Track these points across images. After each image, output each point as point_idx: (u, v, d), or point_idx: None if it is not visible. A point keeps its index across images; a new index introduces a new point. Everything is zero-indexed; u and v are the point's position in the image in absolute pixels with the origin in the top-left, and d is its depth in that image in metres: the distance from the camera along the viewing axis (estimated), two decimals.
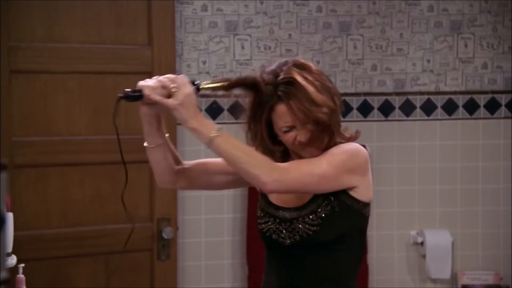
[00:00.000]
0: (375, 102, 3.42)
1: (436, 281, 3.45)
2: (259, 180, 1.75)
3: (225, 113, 3.28)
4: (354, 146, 1.87)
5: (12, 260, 2.22)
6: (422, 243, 3.41)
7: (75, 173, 2.91)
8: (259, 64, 3.30)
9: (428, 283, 3.46)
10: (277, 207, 1.91)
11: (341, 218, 1.86)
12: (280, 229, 1.89)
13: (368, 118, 3.42)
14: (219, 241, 3.29)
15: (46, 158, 2.87)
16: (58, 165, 2.89)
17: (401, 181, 3.45)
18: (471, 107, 3.48)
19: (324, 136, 1.83)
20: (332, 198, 1.86)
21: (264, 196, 1.95)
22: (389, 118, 3.43)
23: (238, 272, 3.30)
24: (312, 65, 1.87)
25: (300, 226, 1.86)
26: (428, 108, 3.46)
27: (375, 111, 3.42)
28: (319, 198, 1.86)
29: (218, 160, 1.90)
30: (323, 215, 1.85)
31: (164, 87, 1.77)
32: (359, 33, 3.39)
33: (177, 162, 1.96)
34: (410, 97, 3.45)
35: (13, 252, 2.26)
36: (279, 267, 1.92)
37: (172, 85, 1.76)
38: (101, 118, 2.96)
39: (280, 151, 1.90)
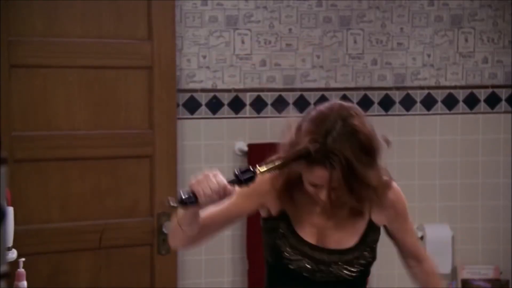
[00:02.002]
0: (375, 96, 3.42)
1: None
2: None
3: (225, 107, 3.28)
4: (403, 198, 2.01)
5: (13, 254, 2.22)
6: (422, 238, 3.41)
7: (75, 168, 2.92)
8: (259, 58, 3.30)
9: None
10: (312, 246, 1.86)
11: (376, 258, 1.93)
12: (315, 269, 1.85)
13: (368, 113, 3.38)
14: (219, 235, 3.28)
15: (46, 153, 2.87)
16: (58, 159, 2.89)
17: (401, 175, 3.44)
18: (471, 102, 3.48)
19: (350, 202, 1.78)
20: (374, 246, 1.91)
21: (293, 231, 1.87)
22: (389, 112, 3.43)
23: (238, 266, 3.30)
24: (362, 126, 1.73)
25: (339, 270, 1.86)
26: (429, 103, 3.46)
27: (375, 105, 3.42)
28: (363, 245, 1.88)
29: (212, 213, 1.85)
30: (364, 262, 1.88)
31: (217, 194, 1.66)
32: (359, 27, 3.38)
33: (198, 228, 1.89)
34: (410, 91, 3.44)
35: (14, 246, 2.26)
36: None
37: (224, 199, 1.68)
38: (101, 112, 2.96)
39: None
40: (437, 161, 3.46)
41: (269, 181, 1.86)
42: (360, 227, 1.88)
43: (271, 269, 1.93)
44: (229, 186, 1.66)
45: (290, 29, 3.33)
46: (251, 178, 1.69)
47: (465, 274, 3.44)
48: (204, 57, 3.26)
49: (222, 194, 1.65)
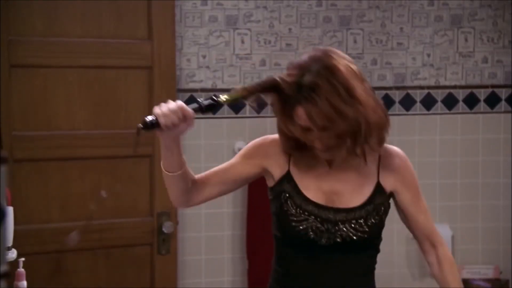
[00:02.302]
0: None
1: None
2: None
3: (225, 107, 3.28)
4: (409, 162, 1.96)
5: (13, 254, 2.22)
6: None
7: (75, 168, 2.92)
8: (259, 58, 3.31)
9: (427, 278, 3.46)
10: (319, 205, 1.83)
11: (383, 226, 1.90)
12: (321, 229, 1.82)
13: None
14: (219, 235, 3.29)
15: (46, 153, 2.87)
16: (58, 159, 2.89)
17: None
18: (471, 102, 3.48)
19: (344, 144, 1.74)
20: (383, 208, 1.88)
21: (299, 192, 1.85)
22: (389, 112, 3.40)
23: (238, 266, 3.30)
24: (343, 66, 1.74)
25: (345, 229, 1.82)
26: (428, 103, 3.46)
27: None
28: (370, 205, 1.85)
29: (210, 171, 1.91)
30: (372, 222, 1.85)
31: (175, 114, 1.71)
32: (359, 27, 3.39)
33: (192, 182, 1.91)
34: (410, 91, 3.44)
35: (14, 246, 2.26)
36: (307, 266, 1.86)
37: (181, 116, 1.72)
38: (101, 112, 2.96)
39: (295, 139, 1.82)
40: (437, 161, 3.46)
41: (274, 144, 1.87)
42: (368, 189, 1.86)
43: (279, 244, 1.90)
44: (187, 108, 1.70)
45: (290, 29, 3.33)
46: (212, 106, 1.73)
47: (465, 274, 3.44)
48: (204, 57, 3.26)
49: (181, 115, 1.69)
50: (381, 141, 1.79)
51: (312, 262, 1.85)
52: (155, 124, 1.71)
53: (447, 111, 3.47)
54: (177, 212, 3.08)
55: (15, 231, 2.26)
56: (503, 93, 3.50)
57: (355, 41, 3.38)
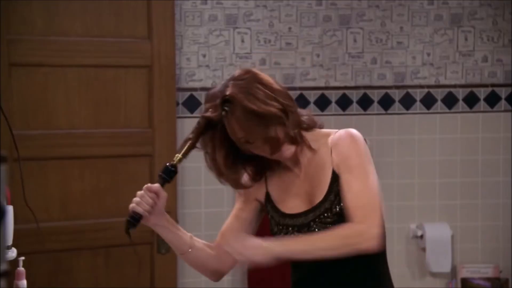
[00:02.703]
0: (375, 95, 3.42)
1: (435, 274, 3.45)
2: (368, 250, 1.72)
3: None
4: (354, 136, 1.84)
5: (13, 253, 2.22)
6: (421, 237, 3.41)
7: (75, 167, 2.91)
8: (258, 57, 3.31)
9: (427, 277, 3.47)
10: (292, 215, 1.87)
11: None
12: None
13: (368, 112, 3.41)
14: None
15: (46, 151, 2.87)
16: (58, 158, 2.89)
17: (401, 174, 3.45)
18: (471, 101, 3.48)
19: (282, 139, 1.79)
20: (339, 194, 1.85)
21: (276, 209, 1.90)
22: (389, 111, 3.43)
23: (236, 270, 3.29)
24: (259, 74, 1.83)
25: (316, 226, 1.84)
26: (428, 102, 3.46)
27: (375, 104, 3.42)
28: (331, 195, 1.85)
29: (231, 223, 1.94)
30: (336, 211, 1.83)
31: (145, 197, 1.82)
32: (359, 26, 3.38)
33: (213, 249, 1.95)
34: (410, 90, 3.44)
35: (13, 245, 2.26)
36: (305, 273, 1.89)
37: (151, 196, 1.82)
38: (101, 111, 2.96)
39: (249, 165, 1.88)
40: (437, 159, 3.46)
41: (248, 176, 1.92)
42: (327, 177, 1.86)
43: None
44: (152, 186, 1.82)
45: (289, 28, 3.33)
46: (173, 172, 1.83)
47: (464, 272, 3.44)
48: (204, 56, 3.26)
49: (150, 194, 1.81)
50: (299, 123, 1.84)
51: (309, 269, 1.88)
52: (137, 218, 1.80)
53: (447, 110, 3.47)
54: (177, 212, 3.07)
55: (15, 230, 2.26)
56: (503, 92, 3.50)
57: (355, 40, 3.38)
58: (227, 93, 1.77)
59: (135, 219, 1.80)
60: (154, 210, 1.82)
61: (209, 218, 3.26)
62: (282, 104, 1.79)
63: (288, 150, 1.81)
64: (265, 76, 1.84)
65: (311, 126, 1.89)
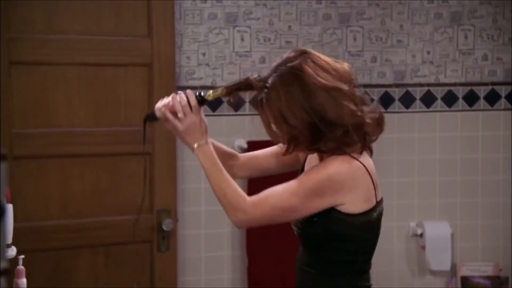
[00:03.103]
0: (375, 93, 3.41)
1: (435, 272, 3.45)
2: (230, 219, 1.90)
3: (225, 105, 3.28)
4: (330, 168, 1.83)
5: (12, 251, 2.22)
6: (421, 235, 3.41)
7: (74, 165, 2.92)
8: (258, 56, 3.30)
9: (427, 275, 3.47)
10: None
11: (319, 223, 1.87)
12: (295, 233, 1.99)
13: None
14: (218, 233, 3.29)
15: (45, 150, 2.87)
16: (57, 156, 2.89)
17: (401, 173, 3.45)
18: (471, 99, 3.48)
19: (299, 142, 1.85)
20: (303, 221, 1.92)
21: None
22: (388, 110, 3.43)
23: (237, 263, 3.30)
24: (307, 75, 1.81)
25: (296, 228, 1.96)
26: (428, 100, 3.46)
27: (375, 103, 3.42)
28: None
29: (267, 150, 2.08)
30: (303, 219, 1.90)
31: (172, 111, 1.93)
32: (359, 24, 3.38)
33: (232, 156, 2.10)
34: (410, 88, 3.44)
35: (13, 243, 2.26)
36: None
37: (179, 114, 1.92)
38: (101, 109, 2.96)
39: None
40: (437, 158, 3.46)
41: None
42: None
43: None
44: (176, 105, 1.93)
45: (289, 26, 3.33)
46: (199, 102, 1.96)
47: (464, 271, 3.44)
48: (204, 54, 3.26)
49: (178, 108, 1.92)
50: (365, 139, 1.88)
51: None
52: (152, 117, 1.94)
53: (447, 109, 3.47)
54: (177, 210, 3.08)
55: (14, 229, 2.26)
56: (503, 91, 3.50)
57: (354, 39, 3.38)
58: (270, 80, 1.85)
59: (150, 116, 1.94)
60: (168, 123, 1.93)
61: (209, 216, 3.26)
62: (316, 115, 1.79)
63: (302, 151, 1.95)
64: (315, 73, 1.82)
65: (341, 150, 1.87)
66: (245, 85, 1.90)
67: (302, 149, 1.89)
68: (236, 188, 1.90)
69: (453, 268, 3.46)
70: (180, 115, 1.91)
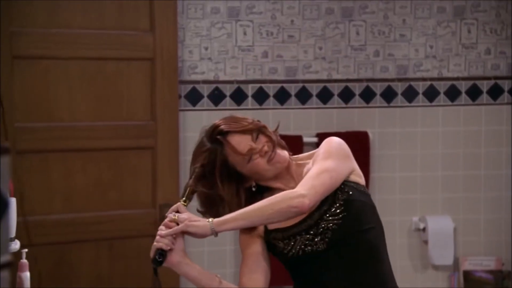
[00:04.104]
0: (378, 88, 3.41)
1: (438, 267, 3.45)
2: (297, 206, 1.79)
3: (227, 99, 3.28)
4: (330, 140, 1.93)
5: (16, 245, 2.22)
6: (424, 229, 3.41)
7: (77, 159, 2.92)
8: (261, 50, 3.30)
9: (429, 269, 3.47)
10: (295, 225, 1.89)
11: (356, 198, 1.88)
12: (311, 238, 1.87)
13: (370, 105, 3.41)
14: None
15: (48, 144, 2.87)
16: (60, 151, 2.89)
17: (403, 167, 3.45)
18: (473, 93, 3.48)
19: (274, 140, 1.92)
20: (342, 186, 1.88)
21: (277, 230, 1.91)
22: (391, 104, 3.42)
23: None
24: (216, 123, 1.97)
25: (326, 222, 1.86)
26: (431, 94, 3.45)
27: (378, 97, 3.41)
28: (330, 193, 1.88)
29: (246, 264, 1.96)
30: (342, 201, 1.86)
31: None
32: (362, 18, 3.38)
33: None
34: (412, 83, 3.44)
35: (16, 237, 2.26)
36: (322, 276, 1.89)
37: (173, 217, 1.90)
38: (103, 104, 2.96)
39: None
40: (440, 152, 3.46)
41: None
42: None
43: (293, 278, 1.97)
44: (168, 223, 1.91)
45: (292, 21, 3.32)
46: (164, 255, 1.90)
47: (467, 265, 3.44)
48: (206, 48, 3.26)
49: (171, 229, 1.89)
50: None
51: (324, 270, 1.88)
52: (162, 254, 1.87)
53: (450, 103, 3.46)
54: None
55: (17, 223, 2.27)
56: (505, 85, 3.49)
57: (357, 33, 3.38)
58: (208, 131, 1.94)
59: (161, 255, 1.86)
60: (175, 246, 1.88)
61: None
62: (254, 121, 1.94)
63: (282, 153, 1.92)
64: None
65: (283, 145, 1.97)
66: (203, 173, 1.91)
67: (276, 147, 1.92)
68: (274, 200, 1.83)
69: (456, 263, 3.46)
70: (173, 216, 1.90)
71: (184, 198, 1.94)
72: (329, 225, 1.86)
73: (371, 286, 1.87)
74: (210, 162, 1.89)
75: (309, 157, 1.96)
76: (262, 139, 1.90)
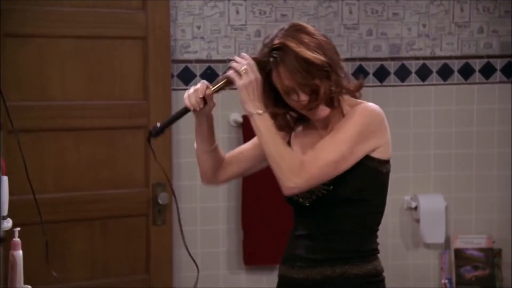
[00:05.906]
0: (370, 67, 3.41)
1: (429, 245, 3.47)
2: (282, 185, 1.85)
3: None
4: (365, 111, 1.88)
5: (8, 223, 2.22)
6: (416, 208, 3.43)
7: (70, 138, 2.91)
8: (253, 29, 3.29)
9: (421, 248, 3.49)
10: None
11: (354, 176, 1.89)
12: (303, 195, 1.93)
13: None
14: (214, 206, 3.30)
15: (41, 123, 2.87)
16: (53, 130, 2.89)
17: (396, 146, 3.42)
18: (466, 72, 3.48)
19: (324, 96, 1.85)
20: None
21: None
22: (384, 83, 3.43)
23: (233, 236, 3.32)
24: (308, 26, 1.89)
25: (315, 187, 1.90)
26: (424, 73, 3.45)
27: (370, 76, 3.42)
28: None
29: (246, 147, 2.04)
30: (334, 178, 1.88)
31: (233, 68, 1.88)
32: None
33: (221, 160, 2.05)
34: (405, 62, 3.44)
35: (9, 216, 2.26)
36: (305, 227, 1.97)
37: (242, 68, 1.86)
38: (96, 83, 2.95)
39: (286, 114, 1.95)
40: (432, 131, 3.47)
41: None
42: None
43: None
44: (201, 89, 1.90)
45: None
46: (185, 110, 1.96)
47: (458, 243, 3.46)
48: (199, 27, 3.25)
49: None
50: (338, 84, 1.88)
51: (308, 223, 1.96)
52: (156, 133, 1.94)
53: (442, 82, 3.47)
54: (173, 184, 3.08)
55: (10, 202, 2.26)
56: (498, 64, 3.49)
57: (350, 12, 3.37)
58: (277, 41, 1.83)
59: (156, 129, 1.92)
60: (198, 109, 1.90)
61: (204, 190, 3.26)
62: (330, 58, 1.84)
63: (323, 111, 1.87)
64: (313, 29, 1.88)
65: (351, 91, 1.93)
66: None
67: (318, 103, 1.85)
68: (292, 151, 1.89)
69: (447, 241, 3.48)
70: (243, 68, 1.85)
71: (215, 88, 1.89)
72: (315, 190, 1.91)
73: (326, 252, 1.93)
74: (261, 63, 1.86)
75: (355, 105, 1.90)
76: (310, 93, 1.84)
